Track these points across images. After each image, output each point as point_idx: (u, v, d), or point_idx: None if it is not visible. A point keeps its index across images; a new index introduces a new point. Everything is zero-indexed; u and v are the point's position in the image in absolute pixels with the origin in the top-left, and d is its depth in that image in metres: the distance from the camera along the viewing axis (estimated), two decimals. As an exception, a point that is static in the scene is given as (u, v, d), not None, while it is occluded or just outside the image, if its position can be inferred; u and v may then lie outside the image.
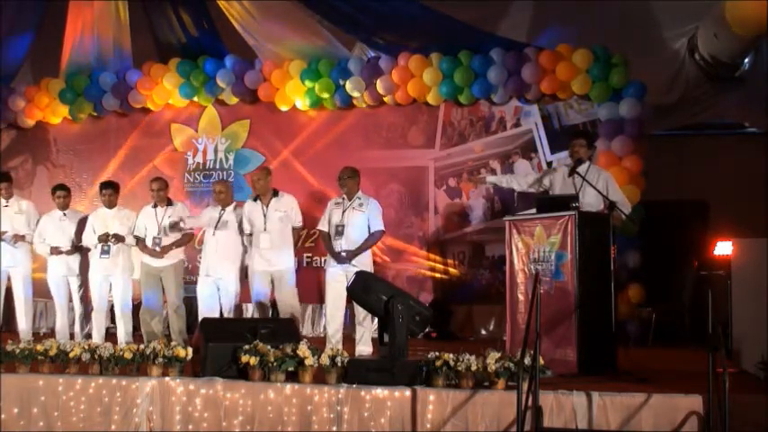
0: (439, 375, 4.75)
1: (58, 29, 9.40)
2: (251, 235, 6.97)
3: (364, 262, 6.62)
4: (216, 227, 7.02)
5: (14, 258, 7.72)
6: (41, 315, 9.25)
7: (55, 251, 7.55)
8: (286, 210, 6.94)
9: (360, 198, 6.75)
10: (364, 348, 6.56)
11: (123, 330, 7.35)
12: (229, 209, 7.11)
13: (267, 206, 6.91)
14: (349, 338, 6.74)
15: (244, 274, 7.13)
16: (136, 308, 7.47)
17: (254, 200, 7.01)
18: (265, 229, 6.84)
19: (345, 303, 6.72)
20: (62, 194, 7.70)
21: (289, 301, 6.89)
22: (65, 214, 7.67)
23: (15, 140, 10.04)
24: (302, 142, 9.20)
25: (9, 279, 7.82)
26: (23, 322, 7.75)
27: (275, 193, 6.99)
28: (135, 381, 5.07)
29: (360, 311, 6.54)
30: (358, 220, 6.65)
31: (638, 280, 7.88)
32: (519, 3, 8.56)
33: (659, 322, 7.61)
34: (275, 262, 6.85)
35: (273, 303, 7.11)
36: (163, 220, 7.24)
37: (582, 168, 6.07)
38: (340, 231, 6.63)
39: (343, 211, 6.68)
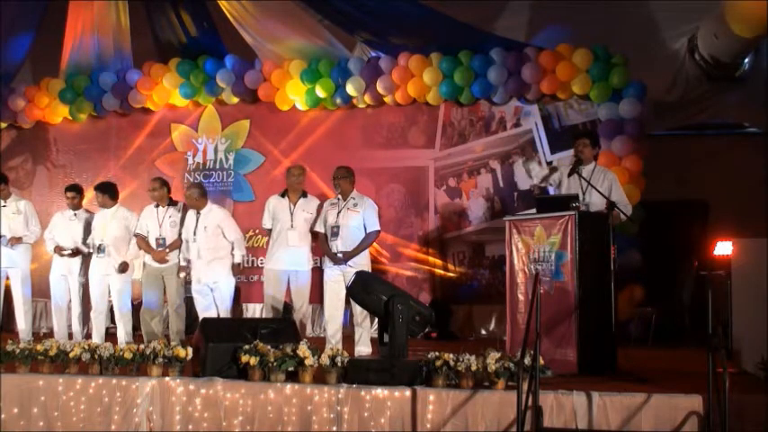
0: (439, 375, 4.75)
1: (58, 29, 9.41)
2: (270, 231, 7.01)
3: (361, 263, 6.61)
4: (195, 232, 7.00)
5: (12, 259, 7.70)
6: (41, 315, 9.26)
7: (58, 250, 7.55)
8: (312, 212, 6.96)
9: (354, 198, 6.75)
10: (363, 349, 6.56)
11: (123, 330, 7.34)
12: (204, 211, 7.06)
13: (295, 204, 6.93)
14: (349, 338, 6.74)
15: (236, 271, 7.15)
16: (136, 308, 7.48)
17: (282, 195, 7.03)
18: (292, 227, 6.87)
19: (344, 304, 6.73)
20: (71, 195, 7.69)
21: (302, 302, 6.91)
22: (75, 214, 7.67)
23: (15, 140, 10.04)
24: (302, 142, 9.20)
25: (8, 279, 7.80)
26: (23, 322, 7.74)
27: (303, 194, 7.03)
28: (135, 381, 5.07)
29: (358, 312, 6.55)
30: (353, 220, 6.65)
31: (638, 280, 7.88)
32: (519, 3, 8.57)
33: (659, 322, 7.60)
34: (296, 262, 6.86)
35: (286, 303, 7.11)
36: (163, 220, 7.24)
37: (588, 168, 6.06)
38: (335, 232, 6.63)
39: (339, 212, 6.69)
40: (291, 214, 6.90)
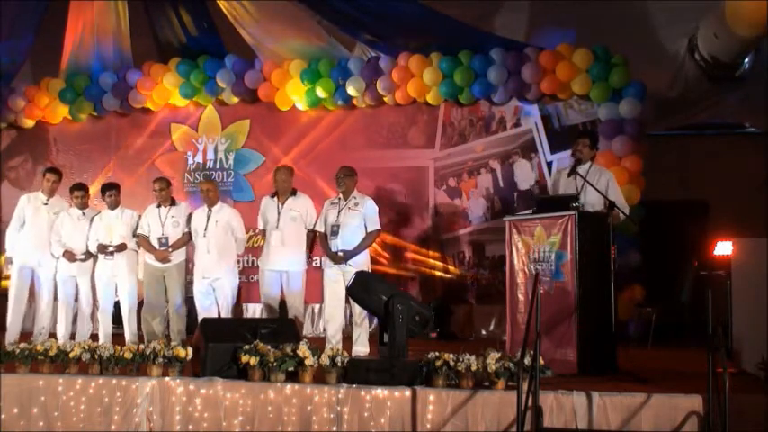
0: (439, 375, 4.75)
1: (58, 29, 9.41)
2: (264, 231, 7.01)
3: (361, 262, 6.61)
4: (206, 227, 7.03)
5: (39, 261, 7.47)
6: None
7: (69, 256, 7.33)
8: (300, 210, 6.94)
9: (355, 198, 6.75)
10: (361, 349, 6.56)
11: (129, 331, 7.32)
12: (216, 208, 7.12)
13: (283, 204, 6.92)
14: (350, 338, 6.74)
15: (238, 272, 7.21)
16: (137, 307, 7.46)
17: (272, 197, 7.03)
18: (278, 227, 6.86)
19: (344, 303, 6.72)
20: (80, 194, 7.48)
21: (294, 302, 6.90)
22: (84, 214, 7.49)
23: (15, 140, 10.04)
24: (302, 142, 9.20)
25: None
26: (45, 322, 7.49)
27: (293, 193, 7.01)
28: (135, 381, 5.07)
29: (357, 312, 6.55)
30: (354, 220, 6.65)
31: (638, 280, 7.88)
32: (517, 3, 8.57)
33: (659, 322, 7.59)
34: (285, 262, 6.86)
35: (283, 303, 7.11)
36: (166, 220, 7.24)
37: (584, 168, 6.06)
38: (335, 231, 6.63)
39: (339, 211, 6.68)
40: (278, 214, 6.89)
